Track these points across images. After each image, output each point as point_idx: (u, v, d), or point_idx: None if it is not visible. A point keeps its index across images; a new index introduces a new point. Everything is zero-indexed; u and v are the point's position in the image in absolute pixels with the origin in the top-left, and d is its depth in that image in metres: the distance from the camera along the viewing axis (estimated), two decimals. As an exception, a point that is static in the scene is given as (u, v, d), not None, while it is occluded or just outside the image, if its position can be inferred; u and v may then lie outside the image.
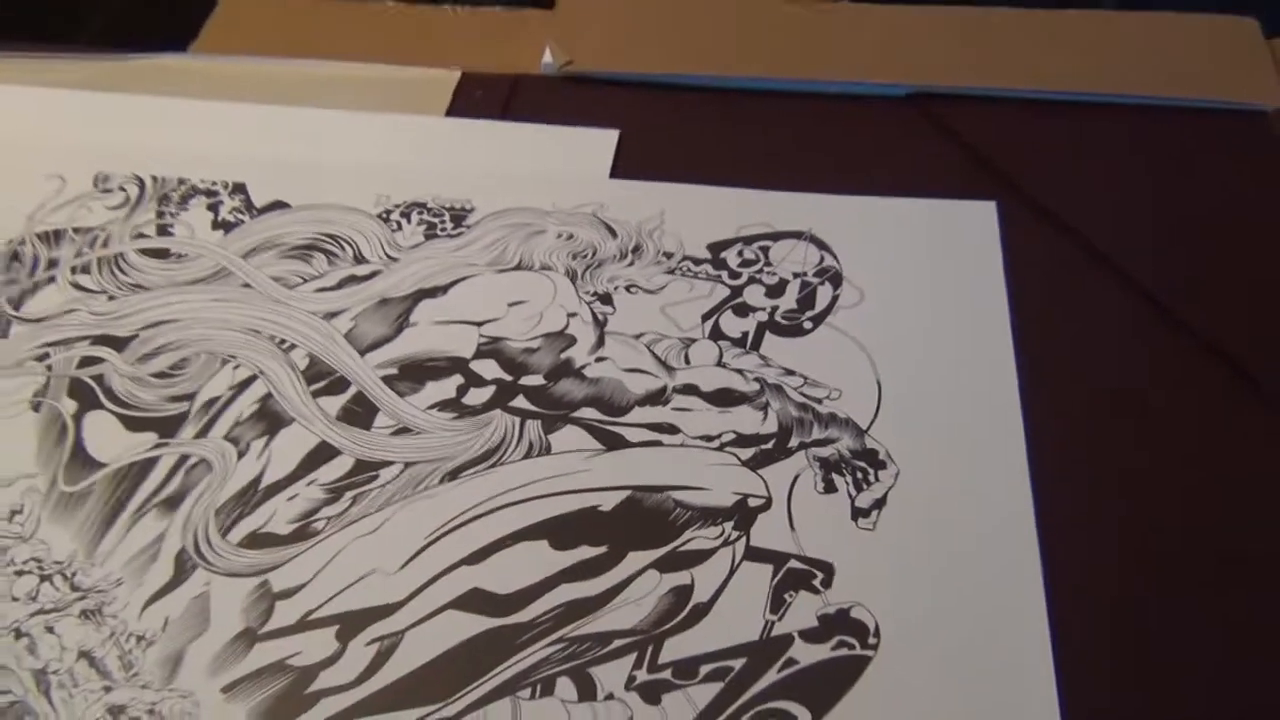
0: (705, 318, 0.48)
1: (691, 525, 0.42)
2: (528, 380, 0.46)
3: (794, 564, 0.41)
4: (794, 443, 0.44)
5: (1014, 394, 0.45)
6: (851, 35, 0.59)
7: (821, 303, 0.48)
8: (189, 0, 0.63)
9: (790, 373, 0.46)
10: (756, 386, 0.46)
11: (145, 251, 0.51)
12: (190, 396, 0.46)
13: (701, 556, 0.41)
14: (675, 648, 0.39)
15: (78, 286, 0.50)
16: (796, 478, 0.43)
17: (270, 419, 0.45)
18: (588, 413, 0.45)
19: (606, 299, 0.49)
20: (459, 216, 0.52)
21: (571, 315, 0.48)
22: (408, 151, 0.55)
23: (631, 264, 0.50)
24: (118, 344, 0.48)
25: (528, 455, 0.44)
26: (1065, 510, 0.42)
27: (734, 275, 0.49)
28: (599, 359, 0.47)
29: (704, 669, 0.39)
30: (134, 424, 0.45)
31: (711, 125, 0.57)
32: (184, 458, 0.44)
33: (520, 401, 0.45)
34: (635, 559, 0.41)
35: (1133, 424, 0.45)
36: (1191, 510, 0.42)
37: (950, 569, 0.41)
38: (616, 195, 0.52)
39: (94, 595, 0.41)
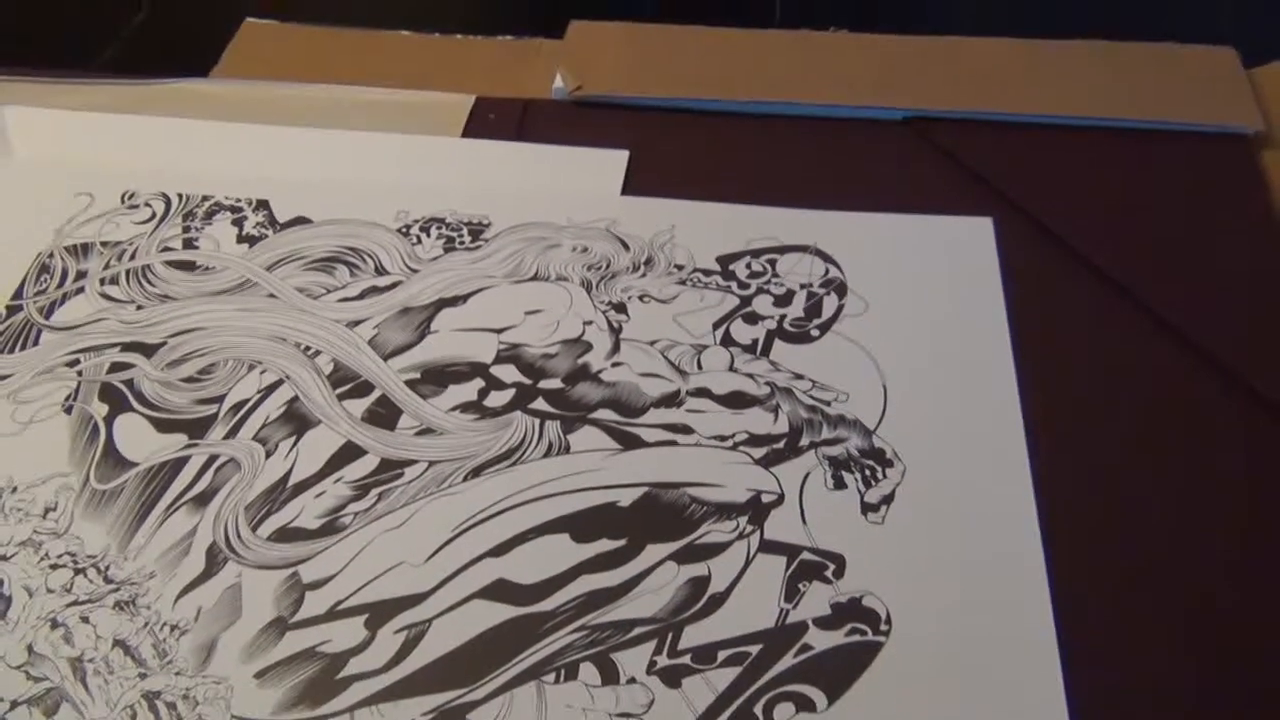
0: (716, 326, 0.50)
1: (707, 520, 0.43)
2: (546, 384, 0.48)
3: (807, 556, 0.42)
4: (804, 442, 0.46)
5: (1014, 395, 0.47)
6: (851, 62, 0.61)
7: (828, 312, 0.50)
8: (201, 30, 0.66)
9: (799, 377, 0.48)
10: (767, 390, 0.47)
11: (172, 264, 0.53)
12: (219, 399, 0.47)
13: (717, 549, 0.43)
14: (694, 635, 0.40)
15: (106, 297, 0.51)
16: (807, 475, 0.45)
17: (297, 420, 0.46)
18: (605, 414, 0.47)
19: (621, 308, 0.50)
20: (476, 231, 0.54)
21: (587, 323, 0.50)
22: (426, 170, 0.57)
23: (644, 275, 0.52)
24: (147, 350, 0.49)
25: (548, 454, 0.45)
26: (1065, 502, 0.44)
27: (743, 286, 0.51)
28: (615, 364, 0.48)
29: (722, 654, 0.40)
30: (164, 425, 0.47)
31: (716, 147, 0.59)
32: (213, 457, 0.45)
33: (539, 404, 0.47)
34: (653, 551, 0.42)
35: (1124, 420, 0.47)
36: (1187, 502, 0.44)
37: (957, 560, 0.42)
38: (628, 211, 0.54)
39: (127, 587, 0.42)
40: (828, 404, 0.47)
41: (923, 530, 0.43)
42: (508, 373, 0.48)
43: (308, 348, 0.49)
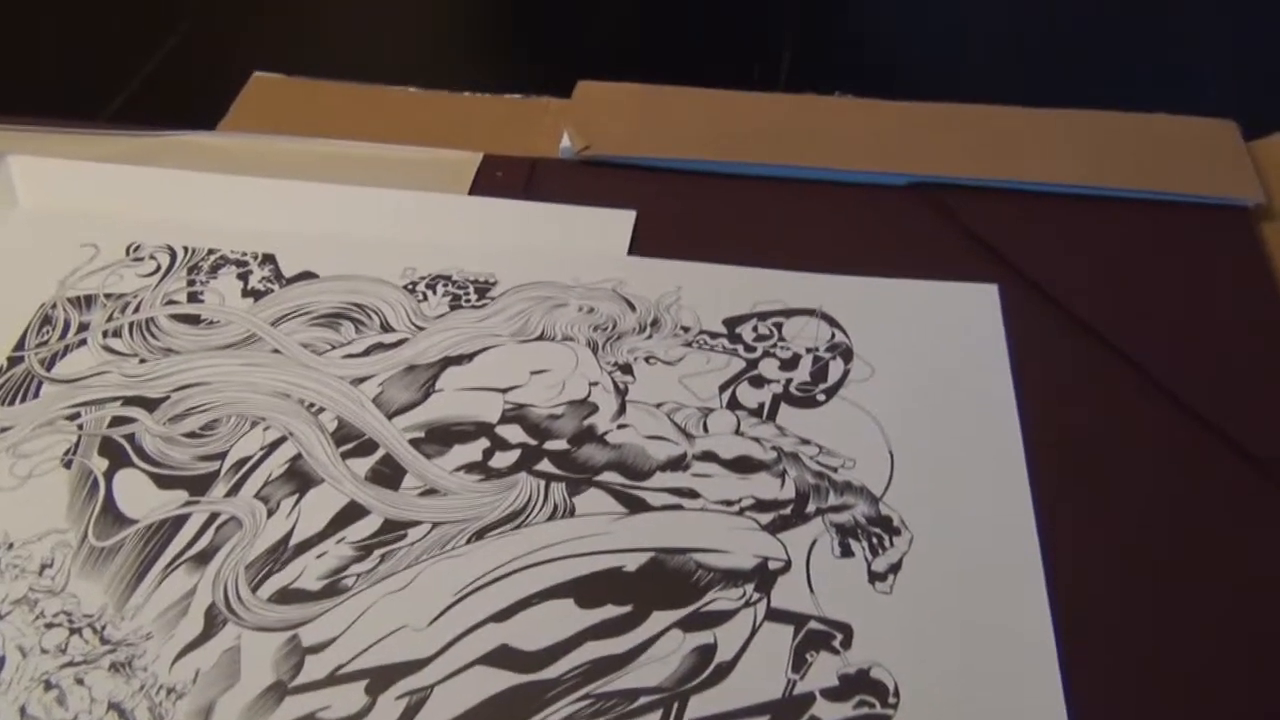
0: (722, 389, 0.50)
1: (714, 586, 0.43)
2: (552, 445, 0.47)
3: (814, 625, 0.42)
4: (811, 508, 0.45)
5: (1020, 461, 0.47)
6: (856, 126, 0.62)
7: (834, 376, 0.50)
8: (209, 83, 0.66)
9: (806, 442, 0.48)
10: (774, 454, 0.47)
11: (176, 317, 0.52)
12: (221, 456, 0.47)
13: (724, 617, 0.42)
14: (700, 705, 0.40)
15: (109, 350, 0.51)
16: (814, 542, 0.44)
17: (300, 478, 0.46)
18: (610, 477, 0.46)
19: (627, 369, 0.50)
20: (483, 289, 0.54)
21: (593, 384, 0.50)
22: (433, 227, 0.57)
23: (650, 336, 0.52)
24: (149, 404, 0.49)
25: (552, 517, 0.45)
26: (1074, 573, 0.43)
27: (749, 349, 0.51)
28: (620, 425, 0.48)
29: (729, 726, 0.39)
30: (165, 482, 0.46)
31: (723, 209, 0.59)
32: (214, 515, 0.45)
33: (545, 465, 0.47)
34: (659, 618, 0.42)
35: (1129, 485, 0.46)
36: (1193, 570, 0.44)
37: (964, 629, 0.42)
38: (635, 272, 0.55)
39: (124, 648, 0.41)
40: (834, 470, 0.47)
41: (930, 600, 0.43)
42: (513, 433, 0.48)
43: (311, 404, 0.49)
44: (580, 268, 0.55)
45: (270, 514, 0.45)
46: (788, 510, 0.45)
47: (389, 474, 0.46)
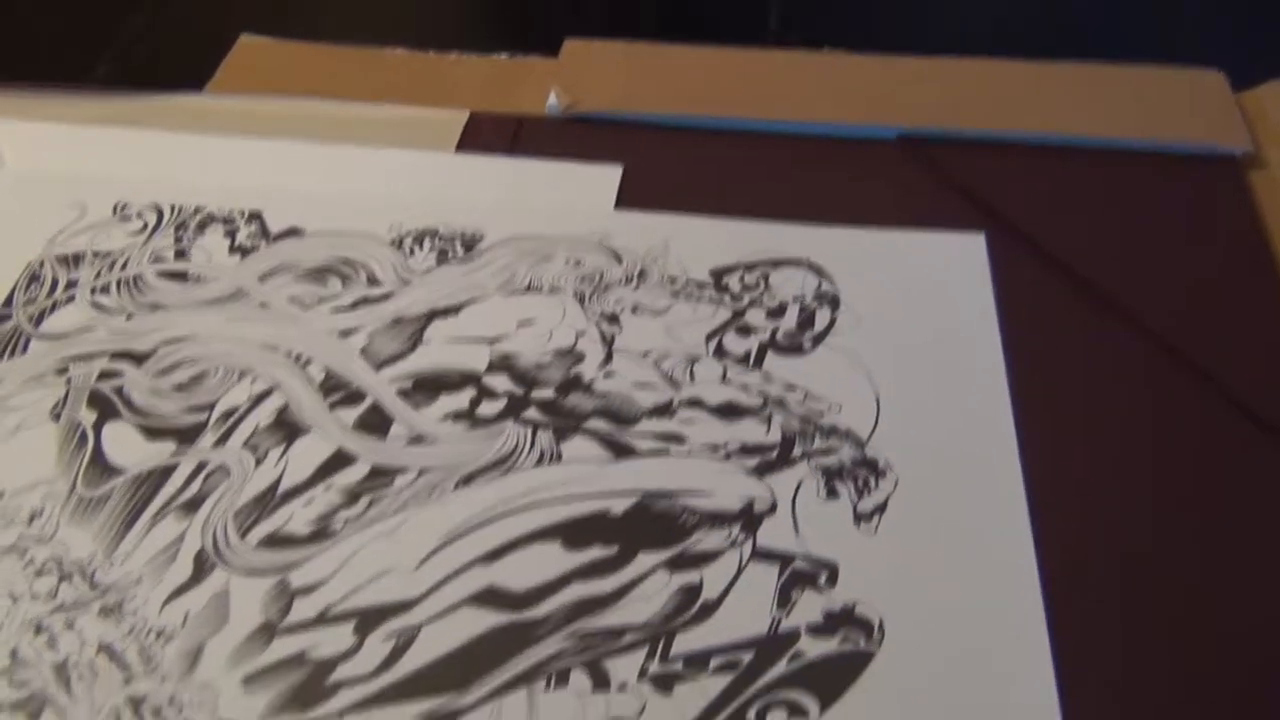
0: (709, 337, 0.50)
1: (700, 528, 0.43)
2: (539, 393, 0.47)
3: (799, 564, 0.42)
4: (797, 452, 0.46)
5: (1006, 406, 0.47)
6: (844, 81, 0.62)
7: (820, 324, 0.50)
8: (196, 45, 0.66)
9: (792, 388, 0.48)
10: (760, 400, 0.47)
11: (164, 274, 0.53)
12: (209, 407, 0.47)
13: (710, 557, 0.42)
14: (686, 642, 0.40)
15: (97, 306, 0.51)
16: (800, 484, 0.45)
17: (287, 428, 0.46)
18: (597, 424, 0.46)
19: (614, 319, 0.50)
20: (470, 243, 0.54)
21: (580, 334, 0.50)
22: (419, 184, 0.57)
23: (637, 288, 0.52)
24: (137, 358, 0.49)
25: (540, 463, 0.45)
26: (1057, 511, 0.44)
27: (736, 299, 0.51)
28: (607, 374, 0.48)
29: (714, 661, 0.39)
30: (153, 433, 0.46)
31: (709, 164, 0.59)
32: (202, 464, 0.45)
33: (532, 413, 0.47)
34: (645, 559, 0.42)
35: (1114, 430, 0.47)
36: (1178, 511, 0.44)
37: (949, 568, 0.42)
38: (622, 225, 0.55)
39: (113, 593, 0.41)
40: (820, 415, 0.47)
41: (916, 539, 0.43)
42: (500, 382, 0.48)
43: (299, 356, 0.49)
44: (567, 222, 0.55)
45: (258, 463, 0.45)
46: (773, 454, 0.46)
47: (376, 423, 0.46)
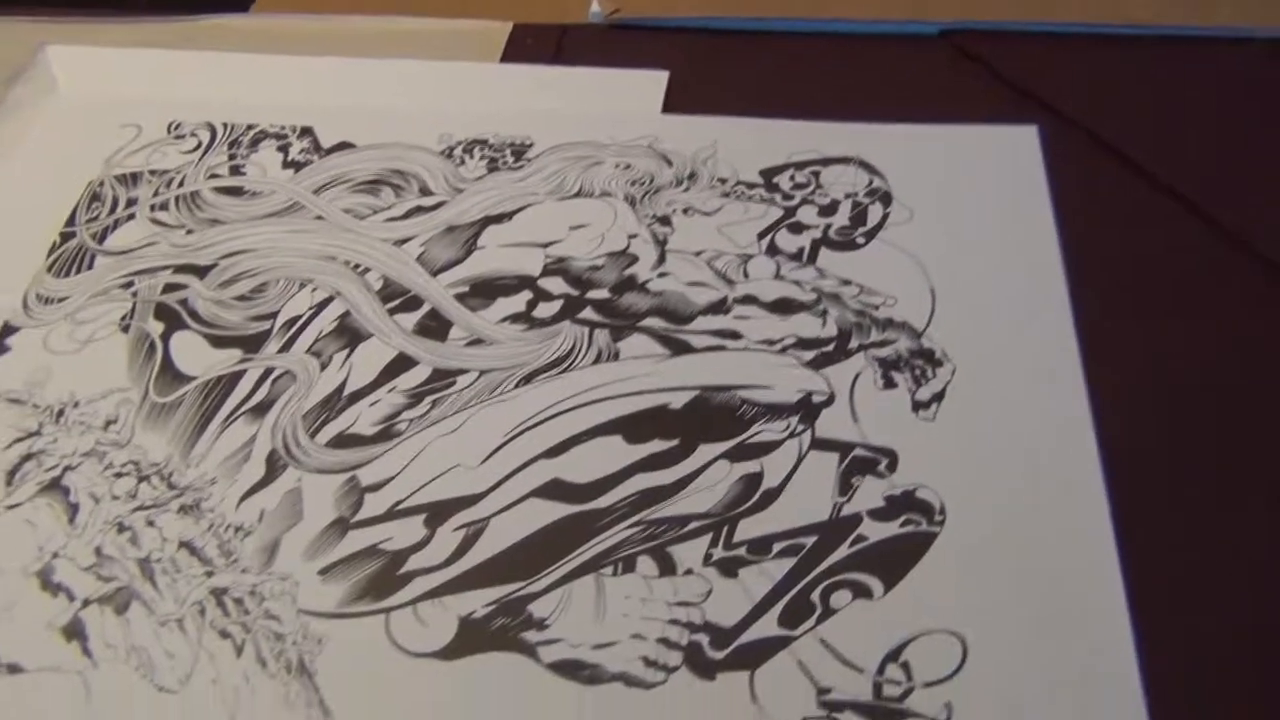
0: (761, 236, 0.50)
1: (758, 420, 0.44)
2: (594, 294, 0.48)
3: (859, 452, 0.43)
4: (853, 345, 0.46)
5: (1063, 294, 0.47)
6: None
7: (873, 220, 0.50)
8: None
9: (846, 282, 0.48)
10: (814, 296, 0.47)
11: (220, 189, 0.53)
12: (272, 316, 0.48)
13: (769, 447, 0.43)
14: (749, 528, 0.41)
15: (157, 222, 0.52)
16: (857, 376, 0.45)
17: (349, 334, 0.47)
18: (653, 322, 0.47)
19: (665, 221, 0.51)
20: (519, 151, 0.54)
21: (632, 236, 0.50)
22: (467, 95, 0.57)
23: (687, 190, 0.52)
24: (199, 271, 0.50)
25: (597, 361, 0.46)
26: (1118, 400, 0.44)
27: (787, 197, 0.51)
28: (661, 274, 0.49)
29: (777, 546, 0.40)
30: (219, 342, 0.47)
31: (754, 66, 0.59)
32: (269, 370, 0.46)
33: (588, 313, 0.47)
34: (706, 451, 0.43)
35: (1174, 317, 0.47)
36: (1238, 395, 0.44)
37: (1010, 453, 0.42)
38: (670, 129, 0.55)
39: (190, 492, 0.42)
40: (875, 308, 0.47)
41: (975, 426, 0.43)
42: (555, 285, 0.48)
43: (357, 265, 0.50)
44: (615, 127, 0.55)
45: (323, 367, 0.46)
46: (830, 347, 0.46)
47: (435, 327, 0.47)
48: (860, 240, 0.50)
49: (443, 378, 0.46)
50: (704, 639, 0.38)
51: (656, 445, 0.43)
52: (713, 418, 0.44)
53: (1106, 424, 0.43)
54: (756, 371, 0.45)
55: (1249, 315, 0.47)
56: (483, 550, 0.40)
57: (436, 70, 0.58)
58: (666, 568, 0.40)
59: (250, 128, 0.56)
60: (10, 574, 0.40)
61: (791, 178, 0.52)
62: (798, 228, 0.50)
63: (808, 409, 0.44)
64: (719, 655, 0.38)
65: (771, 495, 0.42)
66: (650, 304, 0.47)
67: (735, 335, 0.46)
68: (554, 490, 0.42)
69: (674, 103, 0.57)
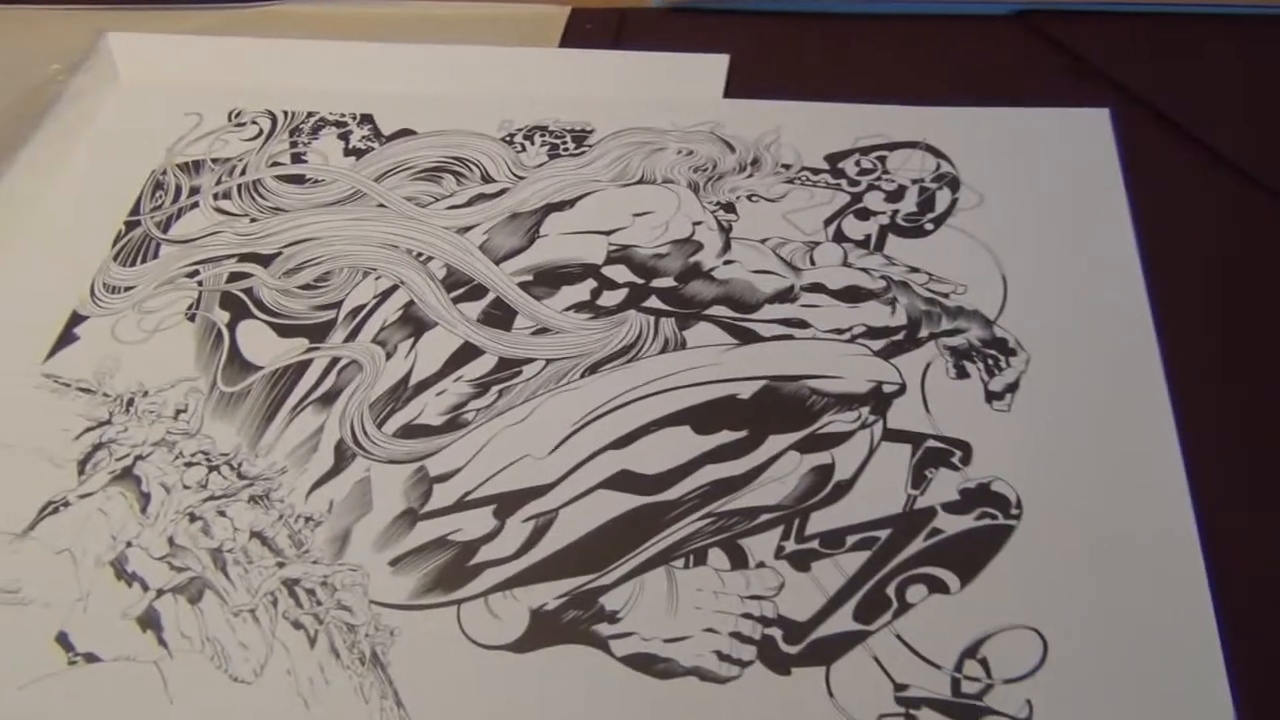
0: (827, 223, 0.49)
1: (829, 410, 0.43)
2: (659, 282, 0.47)
3: (932, 443, 0.42)
4: (924, 333, 0.45)
5: (1139, 282, 0.46)
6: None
7: (941, 206, 0.49)
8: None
9: (915, 270, 0.47)
10: (883, 283, 0.47)
11: (282, 177, 0.53)
12: (336, 305, 0.48)
13: (840, 438, 0.42)
14: (821, 521, 0.40)
15: (220, 211, 0.52)
16: (928, 365, 0.44)
17: (414, 323, 0.47)
18: (719, 310, 0.46)
19: (729, 208, 0.50)
20: (580, 138, 0.53)
21: (697, 223, 0.49)
22: (526, 81, 0.57)
23: (751, 176, 0.51)
24: (263, 260, 0.50)
25: (664, 350, 0.45)
26: (1198, 390, 0.43)
27: (853, 183, 0.51)
28: (727, 261, 0.48)
29: (850, 539, 0.40)
30: (285, 331, 0.47)
31: (817, 49, 0.58)
32: (335, 360, 0.46)
33: (653, 302, 0.47)
34: (775, 441, 0.42)
35: (1254, 304, 0.45)
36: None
37: (1087, 445, 0.41)
38: (732, 114, 0.54)
39: (260, 482, 0.43)
40: (946, 296, 0.46)
41: (1051, 417, 0.42)
42: (619, 273, 0.48)
43: (420, 254, 0.49)
44: (676, 113, 0.54)
45: (389, 356, 0.46)
46: (900, 336, 0.45)
47: (500, 316, 0.47)
48: (929, 226, 0.49)
49: (508, 366, 0.45)
50: (778, 633, 0.38)
51: (725, 436, 0.43)
52: (782, 408, 0.43)
53: (1186, 415, 0.42)
54: (825, 361, 0.44)
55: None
56: (553, 542, 0.40)
57: (496, 56, 0.58)
58: (738, 561, 0.39)
59: (310, 115, 0.56)
60: (84, 563, 0.41)
61: (857, 163, 0.51)
62: (864, 214, 0.49)
63: (879, 399, 0.43)
64: (793, 650, 0.37)
65: (844, 487, 0.41)
66: (716, 292, 0.47)
67: (803, 324, 0.46)
68: (623, 481, 0.41)
69: (735, 87, 0.56)
